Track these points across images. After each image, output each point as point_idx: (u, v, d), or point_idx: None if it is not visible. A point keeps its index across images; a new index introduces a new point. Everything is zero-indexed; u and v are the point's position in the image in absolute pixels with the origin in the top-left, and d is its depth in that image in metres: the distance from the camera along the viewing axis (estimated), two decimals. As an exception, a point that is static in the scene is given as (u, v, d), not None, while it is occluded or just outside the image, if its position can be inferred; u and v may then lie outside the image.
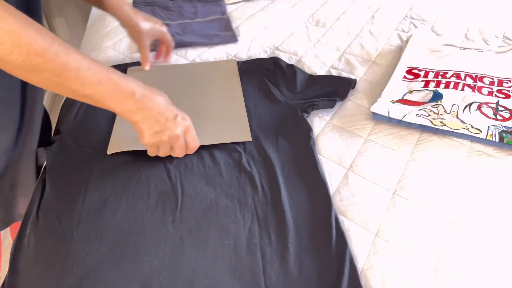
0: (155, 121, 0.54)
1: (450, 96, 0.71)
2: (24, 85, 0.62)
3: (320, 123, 0.71)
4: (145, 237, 0.51)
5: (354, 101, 0.76)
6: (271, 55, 0.89)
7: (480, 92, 0.72)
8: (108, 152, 0.62)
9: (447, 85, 0.74)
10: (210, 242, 0.50)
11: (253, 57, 0.89)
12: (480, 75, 0.77)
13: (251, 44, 0.94)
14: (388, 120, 0.69)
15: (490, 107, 0.69)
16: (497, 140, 0.63)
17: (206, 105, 0.73)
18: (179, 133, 0.57)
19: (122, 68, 0.83)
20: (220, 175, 0.59)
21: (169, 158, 0.61)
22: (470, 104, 0.69)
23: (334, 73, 0.84)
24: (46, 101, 1.80)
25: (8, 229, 0.91)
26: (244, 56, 0.89)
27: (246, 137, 0.65)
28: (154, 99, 0.54)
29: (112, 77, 0.50)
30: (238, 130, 0.66)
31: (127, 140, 0.63)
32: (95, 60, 0.49)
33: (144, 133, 0.55)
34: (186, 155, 0.61)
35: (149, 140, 0.56)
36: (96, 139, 0.65)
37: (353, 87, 0.77)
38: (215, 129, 0.67)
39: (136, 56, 0.89)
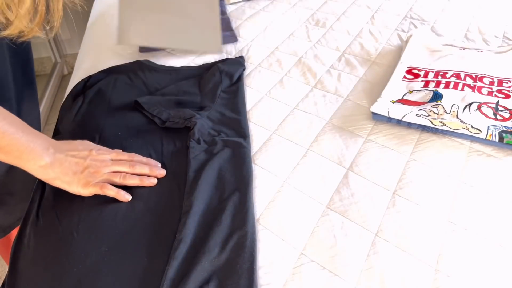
0: (72, 164, 0.53)
1: (450, 96, 0.71)
2: (19, 98, 0.62)
3: (320, 123, 0.71)
4: (146, 237, 0.51)
5: (354, 101, 0.76)
6: (271, 55, 0.89)
7: (480, 92, 0.72)
8: (116, 44, 0.55)
9: (447, 85, 0.74)
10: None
11: (253, 57, 0.89)
12: (480, 75, 0.77)
13: (251, 44, 0.94)
14: (388, 120, 0.69)
15: (490, 107, 0.69)
16: (497, 140, 0.63)
17: (178, 3, 0.64)
18: (100, 153, 0.55)
19: (121, 68, 0.83)
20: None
21: (173, 159, 0.61)
22: (470, 104, 0.69)
23: (334, 73, 0.84)
24: (45, 101, 1.79)
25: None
26: (244, 56, 0.89)
27: (217, 49, 0.58)
28: (64, 150, 0.53)
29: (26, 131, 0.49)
30: (209, 40, 0.60)
31: (135, 33, 0.56)
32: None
33: (72, 182, 0.53)
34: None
35: (79, 181, 0.53)
36: (96, 140, 0.65)
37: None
38: (185, 33, 0.61)
39: (136, 56, 0.89)
